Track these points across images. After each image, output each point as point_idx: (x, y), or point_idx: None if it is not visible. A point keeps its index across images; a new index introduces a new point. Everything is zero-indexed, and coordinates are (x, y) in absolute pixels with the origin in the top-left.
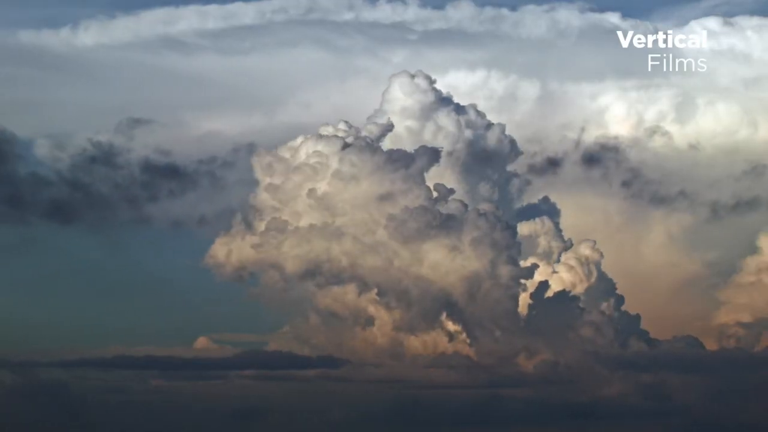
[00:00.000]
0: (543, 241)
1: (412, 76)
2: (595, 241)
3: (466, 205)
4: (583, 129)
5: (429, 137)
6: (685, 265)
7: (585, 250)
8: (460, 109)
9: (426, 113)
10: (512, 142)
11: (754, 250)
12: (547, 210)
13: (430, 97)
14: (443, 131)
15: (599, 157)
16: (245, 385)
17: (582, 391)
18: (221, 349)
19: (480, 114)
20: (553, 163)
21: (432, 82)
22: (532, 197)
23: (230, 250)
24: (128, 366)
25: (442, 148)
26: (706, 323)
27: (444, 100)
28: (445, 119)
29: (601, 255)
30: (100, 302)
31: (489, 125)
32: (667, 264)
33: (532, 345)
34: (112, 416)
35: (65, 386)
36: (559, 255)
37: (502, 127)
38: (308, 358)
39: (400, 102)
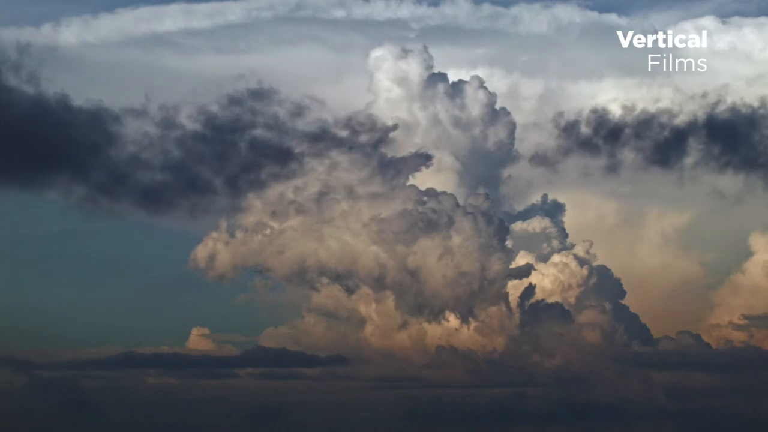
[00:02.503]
0: (546, 239)
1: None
2: (591, 242)
3: (458, 204)
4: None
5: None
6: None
7: (583, 249)
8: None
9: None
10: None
11: (747, 250)
12: (550, 209)
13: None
14: (441, 126)
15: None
16: (253, 384)
17: (586, 390)
18: (222, 348)
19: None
20: (680, 137)
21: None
22: (535, 195)
23: (217, 252)
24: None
25: (434, 155)
26: (705, 323)
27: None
28: (443, 107)
29: (600, 255)
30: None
31: (494, 113)
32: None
33: (533, 344)
34: (122, 415)
35: (68, 385)
36: (560, 251)
37: (508, 114)
38: (317, 356)
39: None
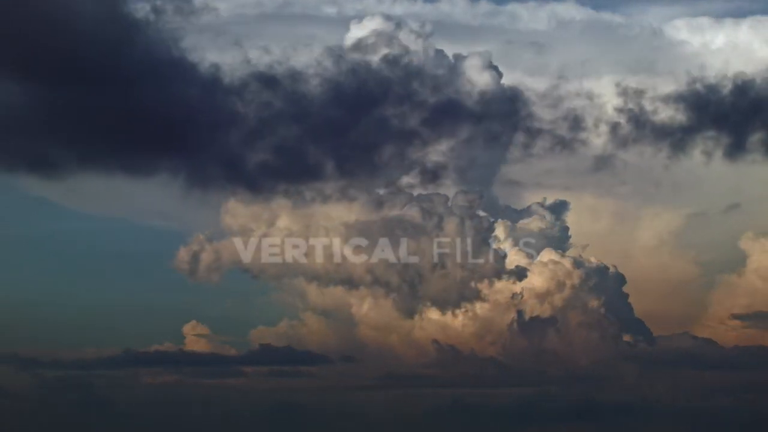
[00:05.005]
0: (544, 238)
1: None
2: (588, 245)
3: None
4: None
5: None
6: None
7: (581, 248)
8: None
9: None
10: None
11: (740, 251)
12: (553, 207)
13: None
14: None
15: None
16: (257, 383)
17: (590, 390)
18: (222, 347)
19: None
20: None
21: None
22: (536, 194)
23: (211, 251)
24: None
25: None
26: (705, 321)
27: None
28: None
29: (599, 254)
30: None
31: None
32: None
33: (533, 345)
34: (125, 414)
35: (71, 383)
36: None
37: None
38: (320, 355)
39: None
